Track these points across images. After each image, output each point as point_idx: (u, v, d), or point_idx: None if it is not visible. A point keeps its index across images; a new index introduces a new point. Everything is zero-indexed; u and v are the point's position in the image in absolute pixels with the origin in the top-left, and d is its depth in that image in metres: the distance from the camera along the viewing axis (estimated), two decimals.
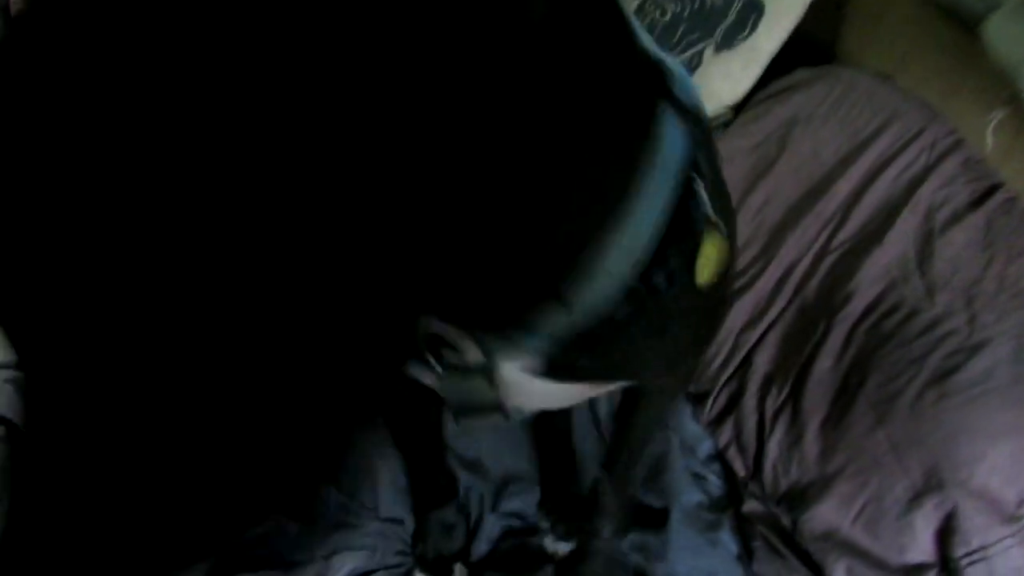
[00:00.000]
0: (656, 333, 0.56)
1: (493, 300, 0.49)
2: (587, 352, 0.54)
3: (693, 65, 1.50)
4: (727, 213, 0.58)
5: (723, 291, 0.62)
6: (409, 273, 0.46)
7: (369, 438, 1.08)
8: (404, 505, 1.03)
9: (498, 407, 0.58)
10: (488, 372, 0.54)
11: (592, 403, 1.16)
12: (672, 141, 0.50)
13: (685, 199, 0.51)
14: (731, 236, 0.58)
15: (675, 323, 0.57)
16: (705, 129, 0.56)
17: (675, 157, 0.50)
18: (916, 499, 0.95)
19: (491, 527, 1.07)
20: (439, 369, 0.55)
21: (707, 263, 0.54)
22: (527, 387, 0.57)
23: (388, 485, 1.04)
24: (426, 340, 0.54)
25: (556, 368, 0.55)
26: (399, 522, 1.02)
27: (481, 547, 1.04)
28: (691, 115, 0.53)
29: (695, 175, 0.52)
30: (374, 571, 0.97)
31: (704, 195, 0.52)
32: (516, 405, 0.61)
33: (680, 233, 0.51)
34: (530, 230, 0.46)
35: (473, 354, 0.53)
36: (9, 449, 0.99)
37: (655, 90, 0.51)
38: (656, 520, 1.06)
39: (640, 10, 1.55)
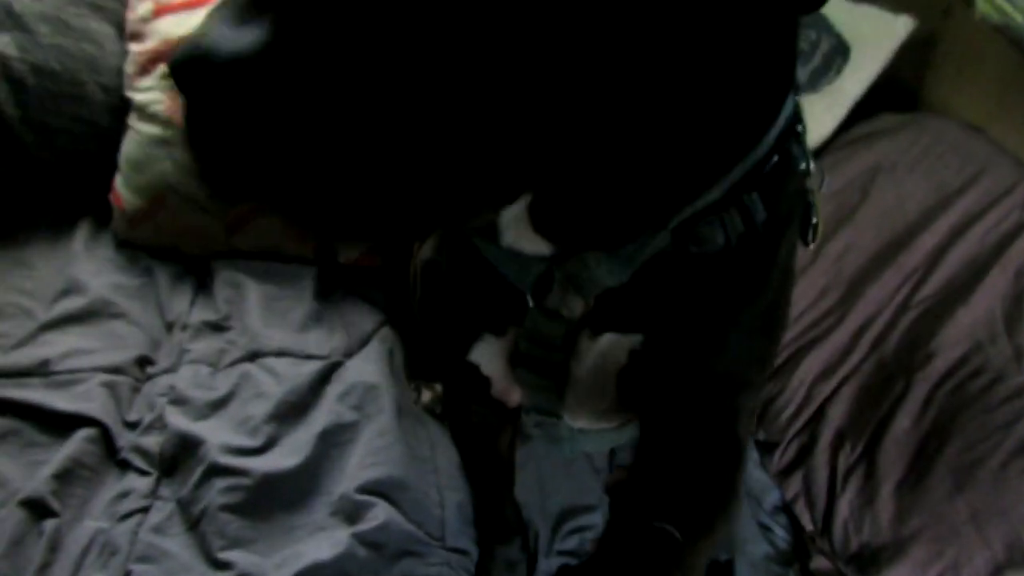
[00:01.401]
0: (747, 287, 0.55)
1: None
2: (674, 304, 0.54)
3: None
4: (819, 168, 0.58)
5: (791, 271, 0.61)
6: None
7: (439, 467, 1.10)
8: (470, 536, 1.05)
9: (564, 369, 0.60)
10: (570, 324, 0.56)
11: None
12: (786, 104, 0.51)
13: (786, 146, 0.52)
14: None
15: (778, 288, 0.57)
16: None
17: (784, 114, 0.51)
18: (997, 572, 0.92)
19: (548, 565, 1.07)
20: (534, 305, 0.57)
21: (819, 213, 0.54)
22: (592, 355, 0.58)
23: (455, 515, 1.06)
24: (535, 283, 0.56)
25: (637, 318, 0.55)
26: (465, 553, 1.03)
27: None
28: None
29: (799, 123, 0.53)
30: None
31: (805, 143, 0.53)
32: (578, 375, 0.61)
33: (781, 174, 0.51)
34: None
35: (571, 307, 0.55)
36: (100, 451, 1.04)
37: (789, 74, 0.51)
38: (721, 571, 1.05)
39: None
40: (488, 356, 0.65)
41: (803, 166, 0.53)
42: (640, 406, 0.62)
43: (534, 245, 0.53)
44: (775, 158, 0.51)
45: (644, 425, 0.63)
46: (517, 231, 0.53)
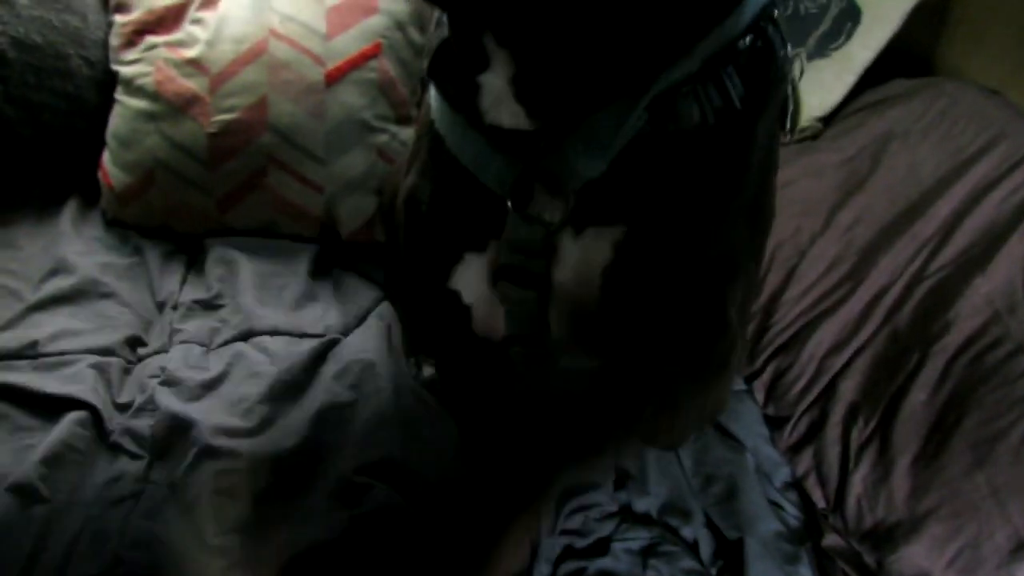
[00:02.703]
0: (725, 176, 0.56)
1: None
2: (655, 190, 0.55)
3: None
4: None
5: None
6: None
7: (440, 447, 1.07)
8: None
9: (540, 280, 0.61)
10: (551, 230, 0.58)
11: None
12: None
13: (763, 28, 0.53)
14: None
15: (759, 175, 0.57)
16: None
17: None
18: (1019, 549, 0.89)
19: (552, 545, 1.05)
20: (513, 209, 0.59)
21: (800, 100, 0.56)
22: (574, 255, 0.60)
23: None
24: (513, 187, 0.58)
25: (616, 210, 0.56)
26: None
27: (542, 569, 1.02)
28: None
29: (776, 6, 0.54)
30: None
31: (786, 42, 0.54)
32: (559, 281, 0.62)
33: (760, 54, 0.53)
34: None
35: (551, 211, 0.57)
36: (91, 435, 1.02)
37: None
38: (730, 549, 1.02)
39: None
40: (469, 279, 0.67)
41: (781, 52, 0.54)
42: (626, 308, 0.62)
43: (515, 118, 0.55)
44: (749, 37, 0.52)
45: (631, 325, 0.64)
46: (499, 104, 0.55)
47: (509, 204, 0.59)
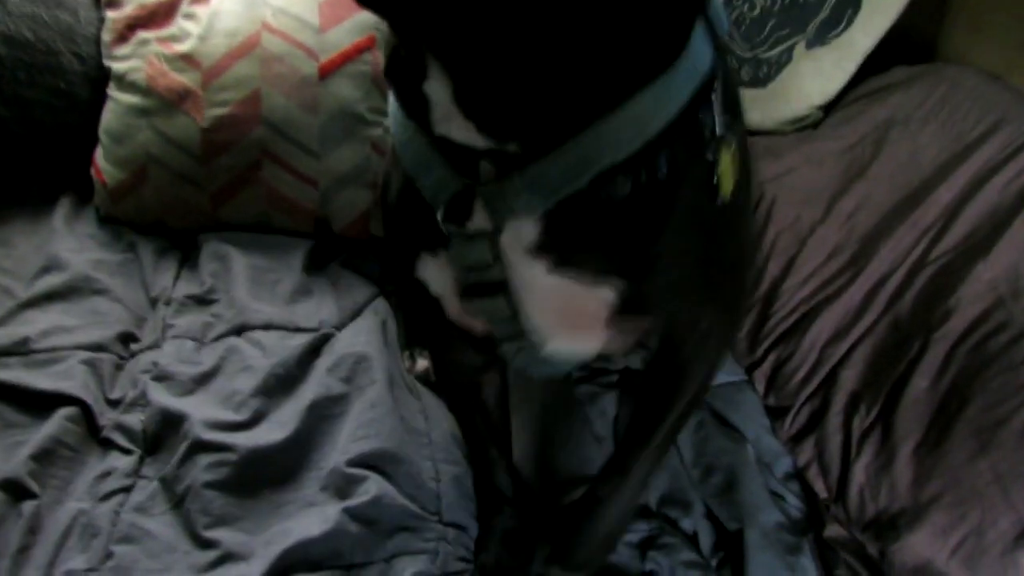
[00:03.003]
0: (674, 234, 0.61)
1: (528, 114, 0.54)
2: (587, 231, 0.60)
3: (783, 62, 1.43)
4: (739, 132, 0.63)
5: (741, 205, 0.67)
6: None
7: (434, 439, 1.05)
8: (468, 511, 1.00)
9: (503, 286, 0.64)
10: (492, 239, 0.61)
11: None
12: (699, 53, 0.55)
13: (697, 111, 0.57)
14: (743, 149, 0.64)
15: (693, 233, 0.62)
16: (726, 60, 0.62)
17: (699, 68, 0.56)
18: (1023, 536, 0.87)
19: None
20: (450, 231, 0.62)
21: (726, 174, 0.60)
22: (529, 272, 0.63)
23: (451, 489, 1.01)
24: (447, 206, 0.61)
25: (554, 241, 0.60)
26: (462, 528, 0.99)
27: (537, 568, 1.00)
28: (720, 40, 0.59)
29: (714, 90, 0.57)
30: None
31: (718, 110, 0.57)
32: (520, 293, 0.65)
33: (691, 137, 0.57)
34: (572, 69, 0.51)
35: (481, 220, 0.60)
36: (82, 430, 1.01)
37: (695, 5, 0.56)
38: (731, 540, 1.01)
39: (727, 4, 1.48)
40: (433, 274, 0.69)
41: (708, 134, 0.58)
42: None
43: (466, 134, 0.56)
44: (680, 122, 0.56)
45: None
46: (448, 118, 0.56)
47: (439, 216, 0.61)
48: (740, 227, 0.71)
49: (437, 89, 0.55)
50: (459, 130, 0.57)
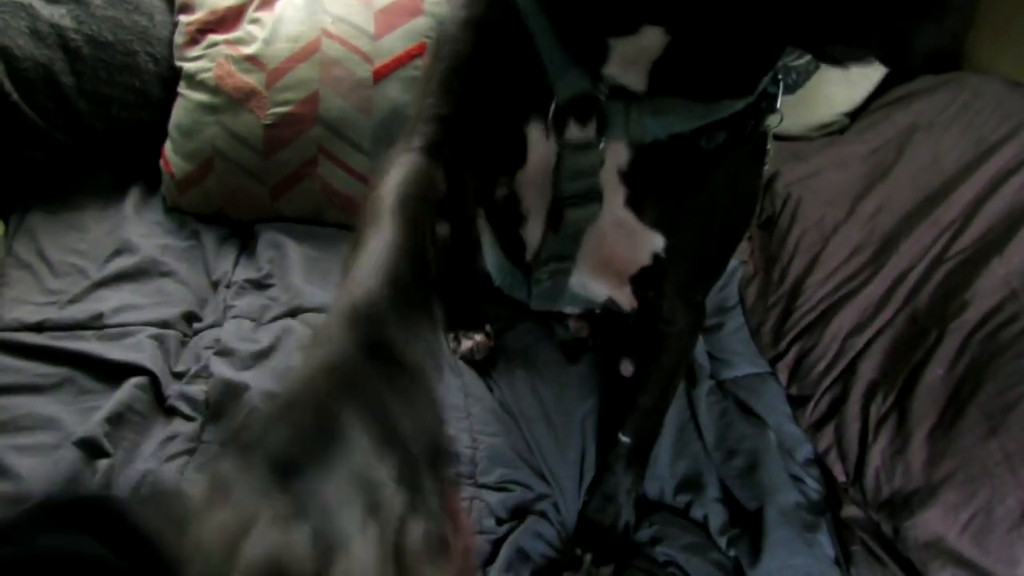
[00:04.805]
0: (711, 193, 0.71)
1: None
2: (658, 180, 0.69)
3: (811, 69, 1.49)
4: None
5: (754, 189, 0.82)
6: None
7: (472, 414, 1.12)
8: (499, 475, 1.06)
9: (600, 195, 0.70)
10: (597, 146, 0.66)
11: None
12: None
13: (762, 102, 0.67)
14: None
15: (725, 195, 0.73)
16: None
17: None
18: None
19: (570, 518, 1.08)
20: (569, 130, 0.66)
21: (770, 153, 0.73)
22: (612, 195, 0.70)
23: (487, 456, 1.08)
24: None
25: (635, 177, 0.68)
26: (495, 489, 1.05)
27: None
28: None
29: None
30: None
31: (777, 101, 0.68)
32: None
33: (757, 115, 0.68)
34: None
35: (585, 132, 0.65)
36: (150, 398, 1.09)
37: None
38: (750, 519, 1.06)
39: None
40: (526, 190, 0.75)
41: (769, 115, 0.69)
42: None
43: (630, 77, 0.62)
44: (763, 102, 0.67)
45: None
46: (626, 64, 0.61)
47: (550, 115, 0.65)
48: (750, 209, 0.82)
49: (631, 50, 0.61)
50: (629, 75, 0.62)
